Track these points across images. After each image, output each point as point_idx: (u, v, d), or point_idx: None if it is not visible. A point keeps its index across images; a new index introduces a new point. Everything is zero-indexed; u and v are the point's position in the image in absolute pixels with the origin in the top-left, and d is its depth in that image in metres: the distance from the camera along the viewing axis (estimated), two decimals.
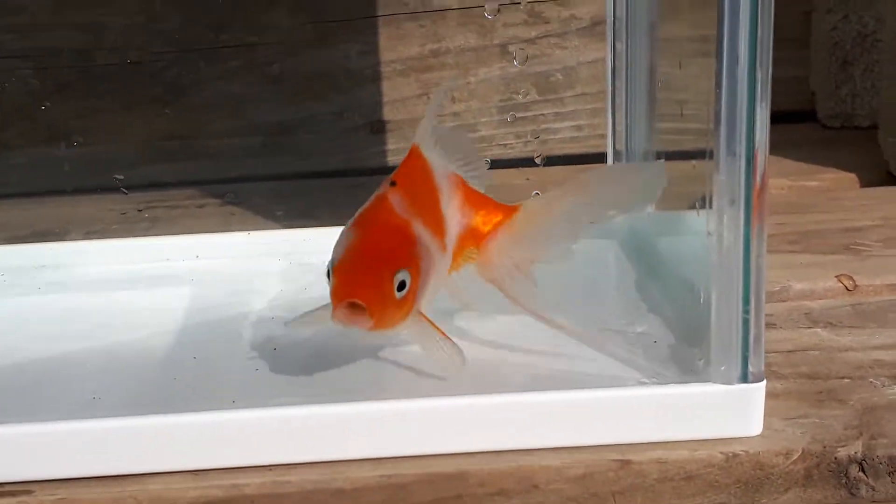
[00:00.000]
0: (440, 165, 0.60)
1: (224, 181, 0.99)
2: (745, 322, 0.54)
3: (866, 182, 0.94)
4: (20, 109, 0.98)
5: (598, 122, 1.01)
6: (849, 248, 0.77)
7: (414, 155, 0.59)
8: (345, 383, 0.58)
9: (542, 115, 1.02)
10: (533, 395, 0.54)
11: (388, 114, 1.02)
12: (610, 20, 0.77)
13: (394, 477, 0.53)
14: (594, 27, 1.00)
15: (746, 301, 0.53)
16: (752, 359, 0.54)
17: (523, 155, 1.02)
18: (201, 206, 0.95)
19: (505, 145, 1.02)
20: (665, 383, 0.56)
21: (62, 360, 0.62)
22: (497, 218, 0.61)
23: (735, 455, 0.54)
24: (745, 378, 0.54)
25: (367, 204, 0.58)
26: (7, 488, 0.52)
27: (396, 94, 1.02)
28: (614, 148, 0.78)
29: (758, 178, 0.53)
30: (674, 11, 0.69)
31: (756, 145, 0.52)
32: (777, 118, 1.10)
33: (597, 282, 0.70)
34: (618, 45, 0.76)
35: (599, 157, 0.98)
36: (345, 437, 0.53)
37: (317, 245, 0.75)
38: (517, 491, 0.53)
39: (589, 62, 1.01)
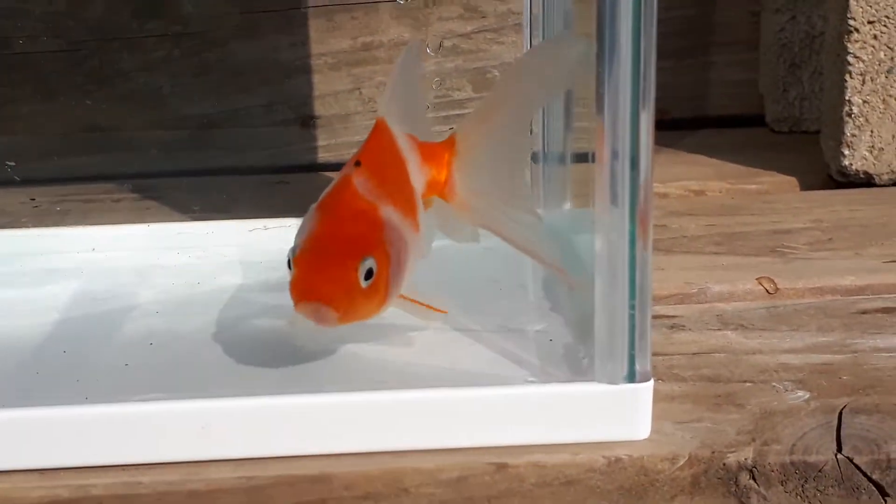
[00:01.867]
0: (402, 134, 0.56)
1: (145, 175, 0.96)
2: (631, 318, 0.50)
3: (807, 186, 0.91)
4: None
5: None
6: (774, 250, 0.74)
7: (379, 129, 0.55)
8: (213, 379, 0.55)
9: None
10: (404, 392, 0.51)
11: (319, 108, 0.99)
12: (526, 17, 0.73)
13: (253, 479, 0.50)
14: None
15: (632, 296, 0.50)
16: (637, 357, 0.51)
17: None
18: (117, 201, 0.92)
19: None
20: (545, 382, 0.52)
21: None
22: (444, 158, 0.58)
23: (618, 459, 0.50)
24: (631, 377, 0.51)
25: (330, 186, 0.54)
26: None
27: (327, 88, 0.98)
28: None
29: (641, 178, 0.49)
30: (586, 5, 0.66)
31: (640, 144, 0.49)
32: (726, 122, 1.09)
33: (503, 280, 0.66)
34: (534, 42, 0.73)
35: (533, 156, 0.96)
36: (201, 436, 0.50)
37: (220, 238, 0.73)
38: (386, 495, 0.50)
39: None
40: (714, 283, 0.69)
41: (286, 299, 0.64)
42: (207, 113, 0.98)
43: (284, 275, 0.67)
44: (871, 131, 0.87)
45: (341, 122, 0.99)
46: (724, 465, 0.51)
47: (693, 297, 0.68)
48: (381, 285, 0.51)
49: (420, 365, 0.55)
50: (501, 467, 0.50)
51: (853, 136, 0.87)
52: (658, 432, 0.52)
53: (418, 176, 0.56)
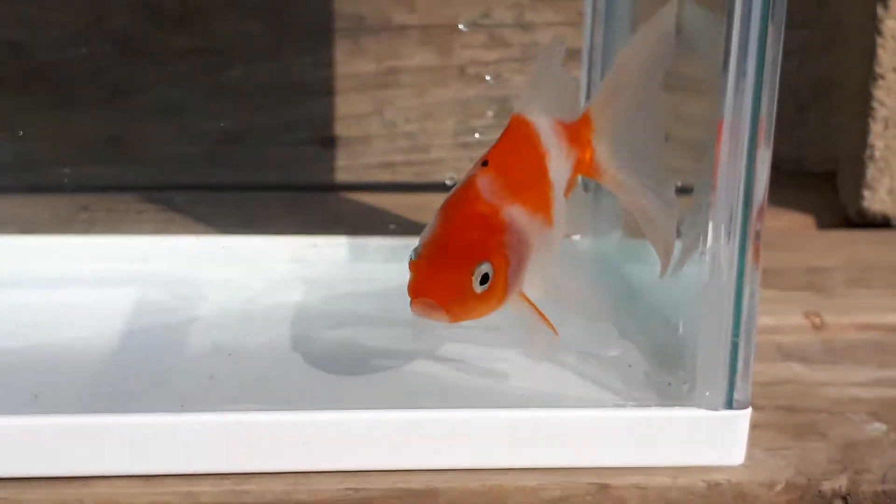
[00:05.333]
0: (547, 125, 0.55)
1: (164, 188, 0.95)
2: (735, 346, 0.51)
3: (823, 225, 0.93)
4: None
5: None
6: (813, 285, 0.76)
7: (515, 126, 0.55)
8: (308, 393, 0.54)
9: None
10: (509, 411, 0.52)
11: (340, 130, 0.99)
12: (587, 47, 0.74)
13: (361, 491, 0.50)
14: None
15: (737, 325, 0.51)
16: (738, 385, 0.52)
17: None
18: (140, 212, 0.91)
19: (458, 169, 1.00)
20: (645, 406, 0.53)
21: None
22: (585, 136, 0.57)
23: (717, 484, 0.51)
24: (729, 404, 0.52)
25: (456, 188, 0.54)
26: None
27: (349, 110, 0.98)
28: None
29: (755, 210, 0.51)
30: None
31: (756, 178, 0.51)
32: None
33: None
34: (593, 73, 0.74)
35: None
36: (308, 447, 0.50)
37: (270, 254, 0.73)
38: None
39: None
40: (763, 316, 0.70)
41: (354, 315, 0.65)
42: (227, 129, 0.97)
43: (347, 292, 0.69)
44: (892, 175, 0.89)
45: (361, 144, 0.99)
46: (819, 492, 0.52)
47: None
48: (497, 288, 0.51)
49: (508, 384, 0.56)
50: (603, 488, 0.51)
51: (873, 178, 0.90)
52: (751, 458, 0.53)
53: (563, 163, 0.56)
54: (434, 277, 0.50)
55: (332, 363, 0.58)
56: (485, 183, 0.52)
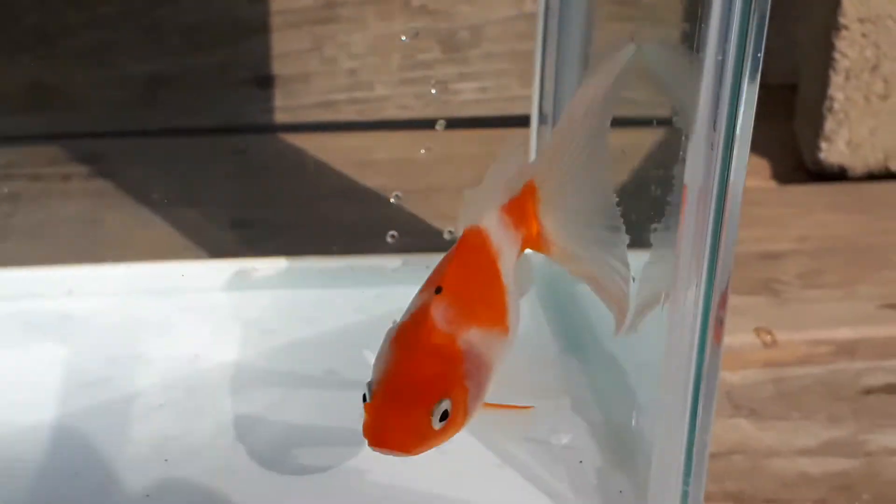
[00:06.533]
0: (495, 223, 0.53)
1: (93, 135, 0.91)
2: (685, 494, 0.50)
3: (778, 170, 0.91)
4: None
5: (504, 84, 0.95)
6: (767, 286, 0.74)
7: (468, 240, 0.52)
8: None
9: (445, 74, 0.95)
10: None
11: (277, 68, 0.94)
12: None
13: None
14: None
15: (688, 473, 0.50)
16: None
17: (422, 117, 0.95)
18: (67, 179, 0.87)
19: (403, 107, 0.95)
20: None
21: None
22: (530, 210, 0.54)
23: None
24: None
25: (410, 311, 0.51)
26: None
27: (286, 48, 0.93)
28: (540, 110, 0.69)
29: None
30: None
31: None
32: None
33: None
34: (551, 3, 0.68)
35: (505, 121, 0.93)
36: None
37: (202, 282, 0.69)
38: None
39: (496, 20, 0.94)
40: None
41: (299, 382, 0.62)
42: (158, 71, 0.92)
43: (289, 344, 0.66)
44: (850, 127, 0.86)
45: (299, 82, 0.94)
46: None
47: None
48: (457, 418, 0.49)
49: (455, 496, 0.54)
50: None
51: (832, 130, 0.87)
52: None
53: (512, 249, 0.53)
54: (391, 421, 0.48)
55: (281, 464, 0.55)
56: (439, 311, 0.50)
